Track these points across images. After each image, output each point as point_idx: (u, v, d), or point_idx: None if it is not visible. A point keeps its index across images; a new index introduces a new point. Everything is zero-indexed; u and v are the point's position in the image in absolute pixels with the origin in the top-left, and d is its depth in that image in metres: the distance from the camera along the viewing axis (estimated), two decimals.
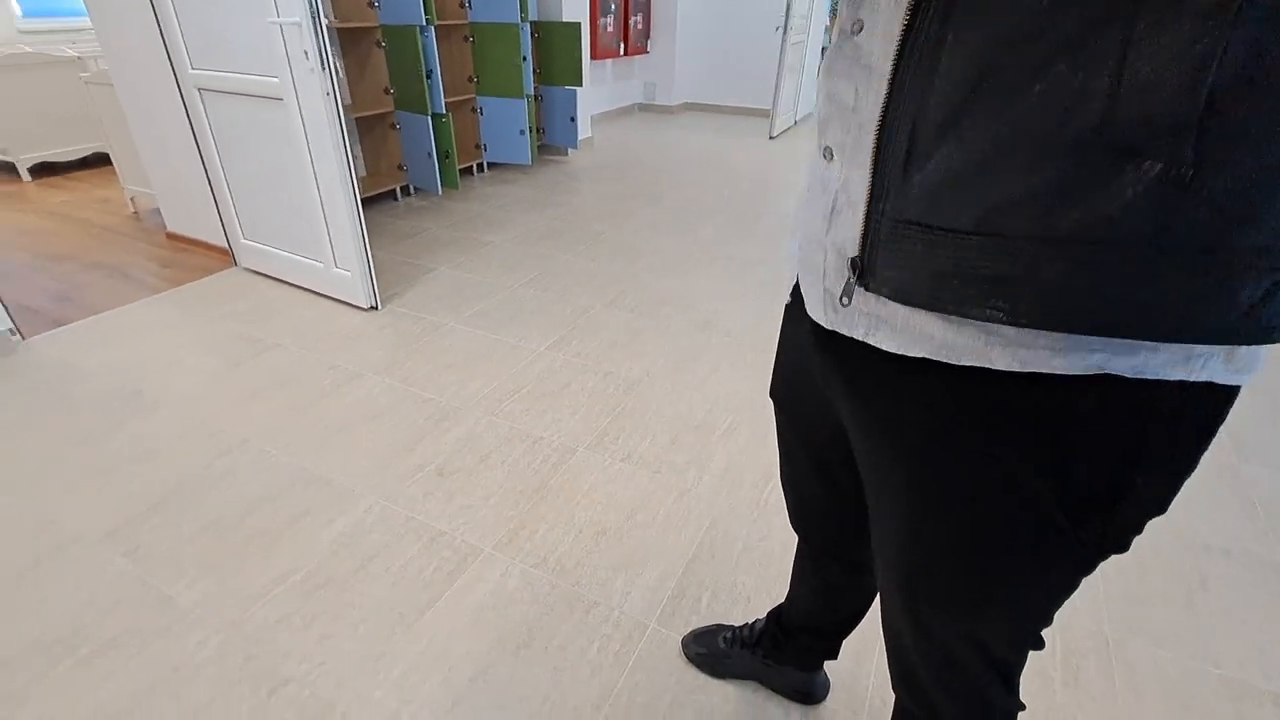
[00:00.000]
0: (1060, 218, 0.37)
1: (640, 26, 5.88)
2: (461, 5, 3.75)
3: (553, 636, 1.27)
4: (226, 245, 2.86)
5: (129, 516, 1.54)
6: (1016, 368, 0.44)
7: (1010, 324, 0.41)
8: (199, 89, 2.45)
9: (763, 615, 1.18)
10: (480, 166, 4.37)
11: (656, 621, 1.30)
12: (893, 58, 0.42)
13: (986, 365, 0.45)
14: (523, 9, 3.74)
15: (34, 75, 4.06)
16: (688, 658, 1.22)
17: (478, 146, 4.21)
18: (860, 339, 0.52)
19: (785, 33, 5.03)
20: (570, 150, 4.80)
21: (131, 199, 3.55)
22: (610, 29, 5.44)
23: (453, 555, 1.44)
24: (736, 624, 1.23)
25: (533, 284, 2.75)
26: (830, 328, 0.55)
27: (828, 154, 0.51)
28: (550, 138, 4.60)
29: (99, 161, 4.48)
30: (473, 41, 3.85)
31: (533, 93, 4.11)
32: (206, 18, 2.25)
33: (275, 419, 1.89)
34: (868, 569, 0.88)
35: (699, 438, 1.83)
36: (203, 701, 1.15)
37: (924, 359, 0.48)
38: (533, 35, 4.14)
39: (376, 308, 2.50)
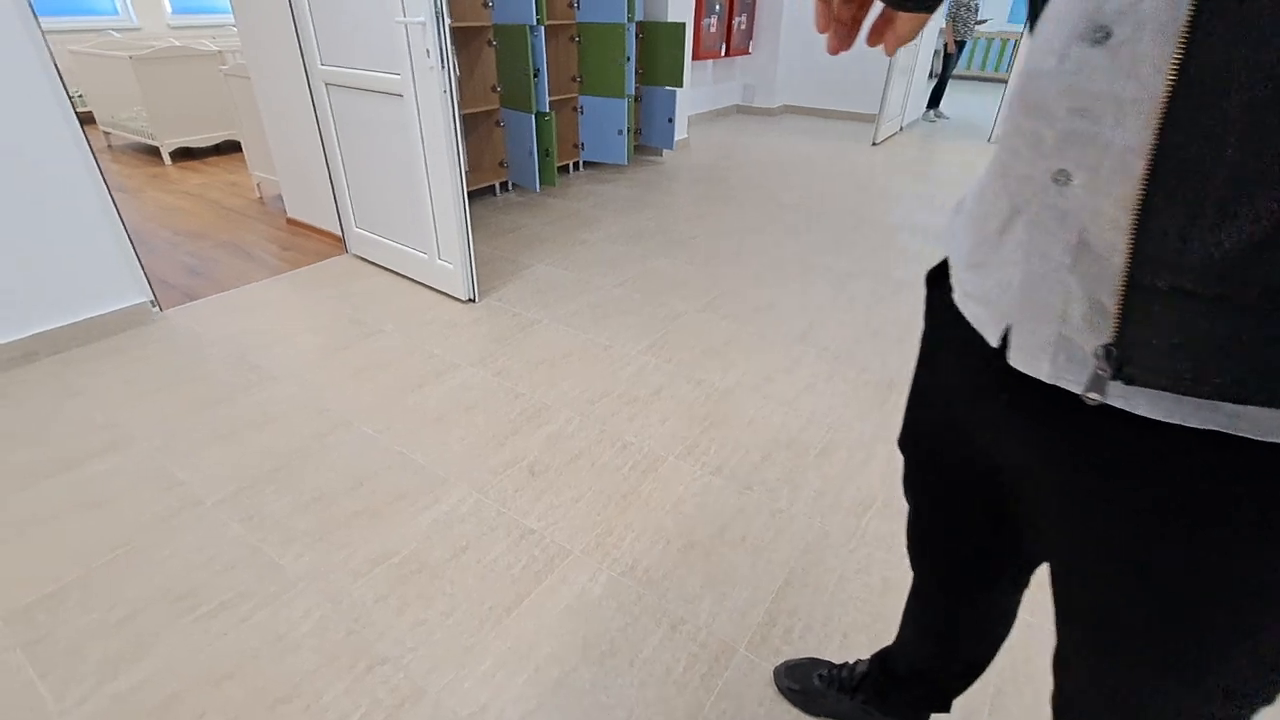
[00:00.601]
0: None
1: (744, 27, 5.80)
2: (570, 5, 3.80)
3: (639, 649, 1.25)
4: (340, 232, 3.02)
5: (246, 482, 1.64)
6: None
7: None
8: (326, 84, 2.59)
9: (861, 655, 1.11)
10: (577, 165, 4.43)
11: (746, 647, 1.26)
12: (1167, 76, 0.33)
13: None
14: (629, 9, 3.76)
15: (180, 68, 4.43)
16: (779, 689, 1.17)
17: (576, 145, 4.27)
18: (1103, 401, 0.44)
19: None
20: (666, 151, 4.79)
21: (258, 184, 3.81)
22: (713, 29, 5.39)
23: (541, 554, 1.45)
24: (833, 660, 1.17)
25: (627, 285, 2.75)
26: (1052, 382, 0.46)
27: (1062, 178, 0.42)
28: (647, 138, 4.61)
29: (230, 148, 4.84)
30: (578, 41, 3.90)
31: (634, 93, 4.12)
32: (337, 17, 2.37)
33: (377, 401, 1.96)
34: (996, 614, 0.82)
35: (792, 456, 1.77)
36: (306, 670, 1.20)
37: (1206, 430, 0.39)
38: (637, 35, 4.15)
39: (474, 300, 2.57)
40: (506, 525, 1.53)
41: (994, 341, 0.50)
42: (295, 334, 2.34)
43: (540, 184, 3.68)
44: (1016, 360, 0.48)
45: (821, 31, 0.56)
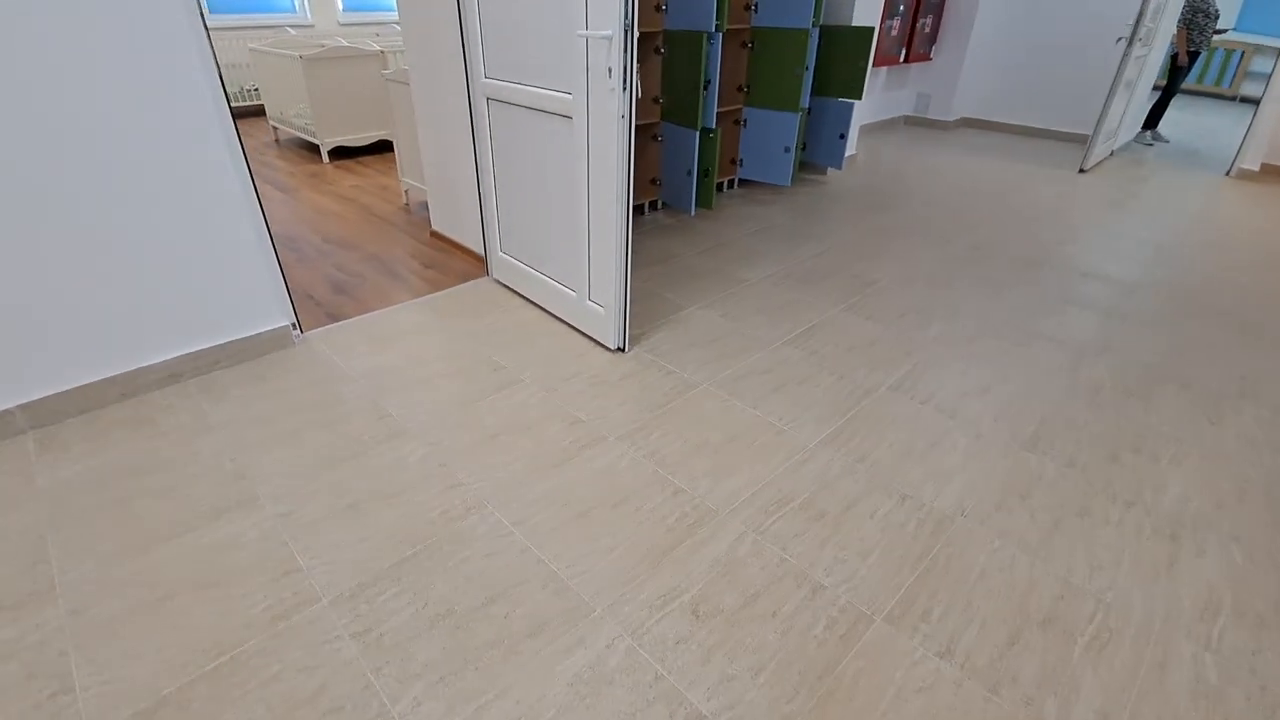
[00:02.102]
0: None
1: (928, 30, 5.13)
2: (747, 8, 3.40)
3: None
4: (483, 253, 2.82)
5: (368, 577, 1.40)
6: None
7: None
8: (487, 98, 2.36)
9: None
10: (731, 183, 4.03)
11: None
12: None
13: None
14: (816, 13, 3.29)
15: (344, 68, 4.48)
16: None
17: (733, 161, 3.87)
18: None
19: (1131, 44, 4.01)
20: (830, 169, 4.28)
21: (405, 191, 3.73)
22: (894, 32, 4.78)
23: None
24: None
25: (799, 344, 2.33)
26: None
27: None
28: (811, 154, 4.12)
29: (384, 148, 4.88)
30: (751, 48, 3.49)
31: (807, 106, 3.66)
32: (507, 26, 2.12)
33: (514, 479, 1.69)
34: None
35: (1053, 642, 1.29)
36: None
37: None
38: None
39: (624, 350, 2.26)
40: (665, 695, 1.18)
41: None
42: (431, 376, 2.13)
43: (696, 207, 3.32)
44: None
45: None
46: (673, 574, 1.42)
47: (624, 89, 1.75)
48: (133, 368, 1.99)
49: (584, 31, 1.76)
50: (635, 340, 2.33)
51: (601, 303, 2.20)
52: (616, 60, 1.71)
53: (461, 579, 1.41)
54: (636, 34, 1.70)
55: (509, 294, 2.68)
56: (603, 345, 2.28)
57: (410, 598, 1.36)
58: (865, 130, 5.42)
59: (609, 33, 1.68)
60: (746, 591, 1.38)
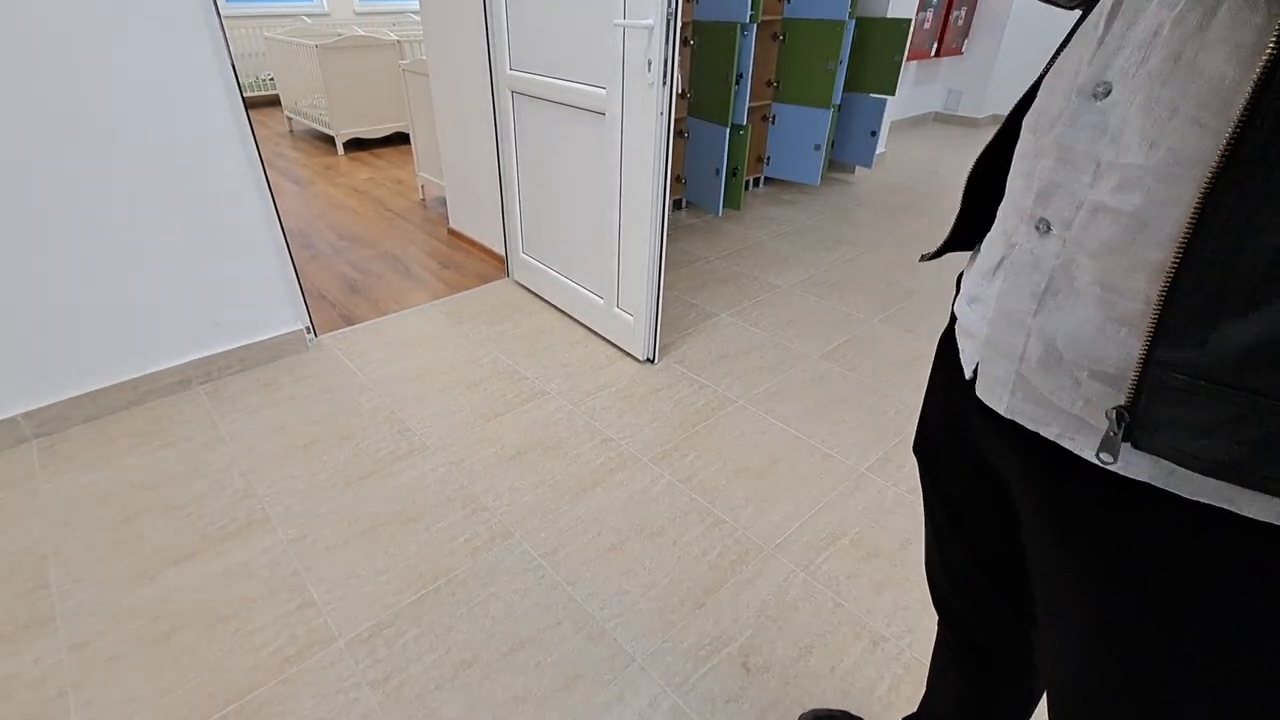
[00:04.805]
0: None
1: (961, 23, 4.95)
2: None
3: None
4: (503, 254, 2.70)
5: (386, 617, 1.30)
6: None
7: None
8: (512, 91, 2.23)
9: None
10: (757, 181, 3.89)
11: None
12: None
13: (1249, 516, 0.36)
14: (853, 4, 3.14)
15: (360, 58, 4.36)
16: None
17: (760, 159, 3.73)
18: (1068, 448, 0.45)
19: None
20: (859, 168, 4.13)
21: (422, 185, 3.61)
22: (926, 25, 4.61)
23: None
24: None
25: (837, 357, 2.20)
26: (1011, 417, 0.49)
27: (1043, 226, 0.45)
28: (840, 152, 3.97)
29: (399, 140, 4.76)
30: (782, 40, 3.34)
31: (839, 102, 3.51)
32: (538, 17, 1.99)
33: (540, 503, 1.58)
34: (1026, 668, 0.74)
35: None
36: None
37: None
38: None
39: (653, 361, 2.14)
40: None
41: (967, 373, 0.55)
42: (451, 386, 2.02)
43: (724, 207, 3.19)
44: (986, 394, 0.52)
45: None
46: (718, 618, 1.31)
47: (664, 83, 1.62)
48: (141, 373, 1.89)
49: (621, 21, 1.63)
50: (664, 351, 2.21)
51: (630, 311, 2.08)
52: (657, 52, 1.58)
53: (487, 620, 1.30)
54: (679, 24, 1.57)
55: (530, 297, 2.57)
56: (631, 355, 2.16)
57: (432, 641, 1.26)
58: (894, 127, 5.24)
59: (650, 22, 1.55)
60: (801, 642, 1.26)
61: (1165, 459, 0.38)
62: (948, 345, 0.62)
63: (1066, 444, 0.45)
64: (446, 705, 1.14)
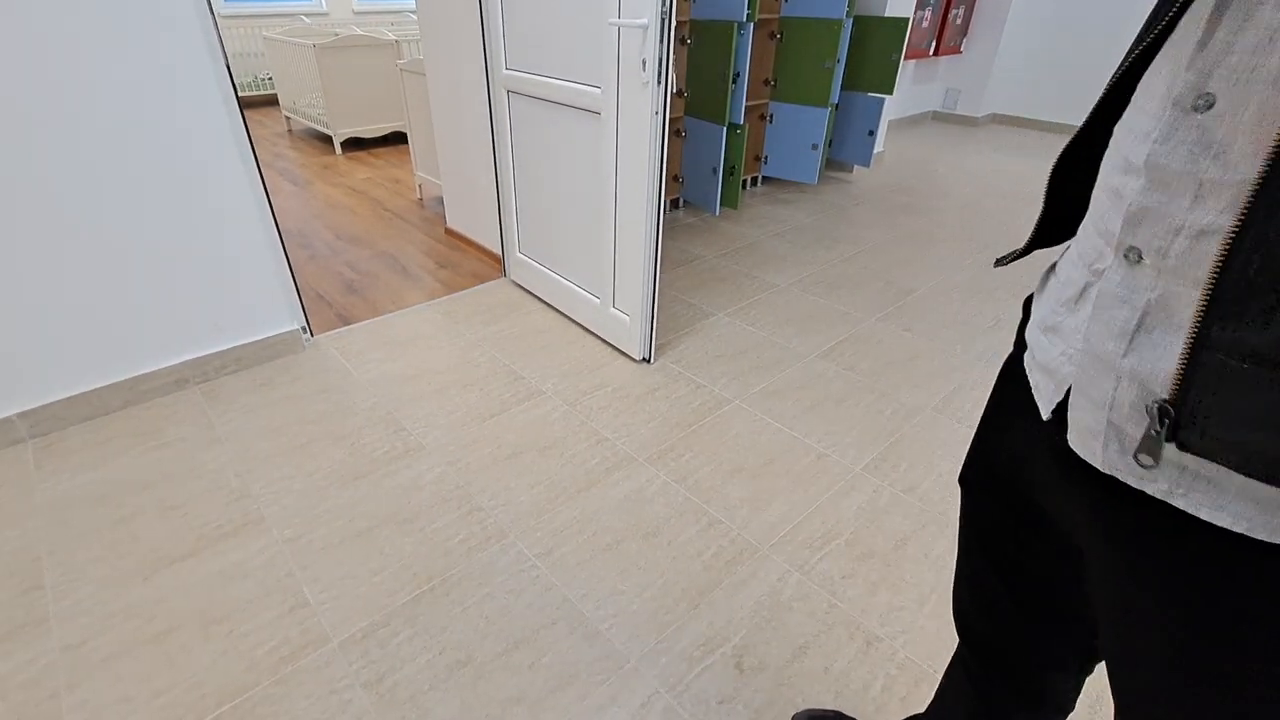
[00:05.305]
0: None
1: (960, 22, 4.94)
2: None
3: None
4: (500, 254, 2.70)
5: (380, 617, 1.30)
6: None
7: None
8: (508, 90, 2.23)
9: None
10: (754, 180, 3.89)
11: None
12: (1266, 155, 0.32)
13: None
14: (850, 2, 3.13)
15: (358, 57, 4.35)
16: None
17: (757, 158, 3.73)
18: (1154, 495, 0.42)
19: None
20: (856, 167, 4.13)
21: (419, 185, 3.61)
22: (925, 24, 4.60)
23: None
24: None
25: (834, 356, 2.20)
26: (1108, 471, 0.44)
27: (1133, 255, 0.42)
28: (838, 151, 3.97)
29: (397, 139, 4.76)
30: (779, 39, 3.34)
31: (836, 101, 3.50)
32: (534, 16, 1.99)
33: (537, 504, 1.58)
34: (1049, 703, 0.73)
35: None
36: None
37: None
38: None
39: (649, 360, 2.13)
40: None
41: (1044, 414, 0.51)
42: (448, 386, 2.02)
43: (721, 206, 3.19)
44: (1078, 444, 0.47)
45: None
46: (713, 618, 1.31)
47: (659, 83, 1.62)
48: (136, 373, 1.89)
49: (616, 20, 1.62)
50: (660, 350, 2.21)
51: (627, 311, 2.08)
52: (651, 51, 1.58)
53: (482, 620, 1.30)
54: (674, 23, 1.57)
55: (527, 296, 2.56)
56: (627, 355, 2.16)
57: (426, 641, 1.25)
58: (891, 126, 5.25)
59: (644, 21, 1.55)
60: (795, 642, 1.26)
61: (1217, 461, 0.36)
62: (1013, 375, 0.58)
63: (1178, 503, 0.41)
64: (440, 706, 1.14)
